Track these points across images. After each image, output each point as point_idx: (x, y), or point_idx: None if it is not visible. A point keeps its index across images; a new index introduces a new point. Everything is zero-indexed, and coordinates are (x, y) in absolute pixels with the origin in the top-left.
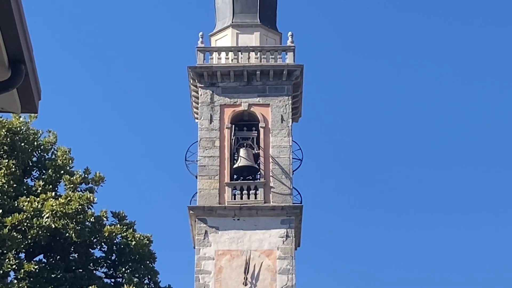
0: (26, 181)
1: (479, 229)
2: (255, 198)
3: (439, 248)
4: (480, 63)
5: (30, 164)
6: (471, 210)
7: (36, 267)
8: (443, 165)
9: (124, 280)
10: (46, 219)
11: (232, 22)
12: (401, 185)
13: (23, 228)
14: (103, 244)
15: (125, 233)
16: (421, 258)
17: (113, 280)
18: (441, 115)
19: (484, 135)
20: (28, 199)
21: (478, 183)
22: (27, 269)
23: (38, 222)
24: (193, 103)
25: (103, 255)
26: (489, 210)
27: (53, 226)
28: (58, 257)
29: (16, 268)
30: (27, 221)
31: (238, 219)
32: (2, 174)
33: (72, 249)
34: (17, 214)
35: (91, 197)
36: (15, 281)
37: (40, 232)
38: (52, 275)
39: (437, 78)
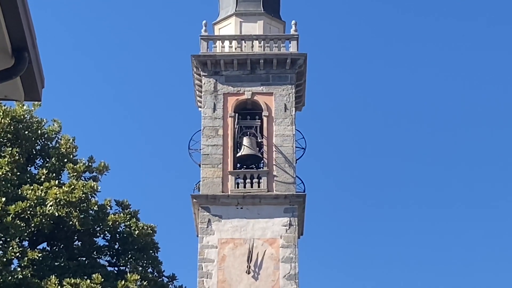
0: (30, 169)
1: (481, 227)
2: (258, 186)
3: (440, 236)
4: (480, 62)
5: (34, 152)
6: (472, 206)
7: (39, 255)
8: (448, 158)
9: (127, 268)
10: (50, 207)
11: (236, 11)
12: (403, 173)
13: (26, 216)
14: (106, 232)
15: (128, 222)
16: (423, 247)
17: (116, 268)
18: (444, 108)
19: (486, 132)
20: (32, 187)
21: (481, 180)
22: (30, 257)
23: (41, 210)
24: (197, 91)
25: (107, 243)
26: (491, 208)
27: (57, 214)
28: (61, 245)
29: (19, 256)
30: (31, 209)
31: (241, 208)
32: (6, 162)
33: (75, 237)
34: (21, 202)
35: (95, 186)
36: (19, 269)
37: (43, 220)
38: (56, 263)
39: (439, 71)
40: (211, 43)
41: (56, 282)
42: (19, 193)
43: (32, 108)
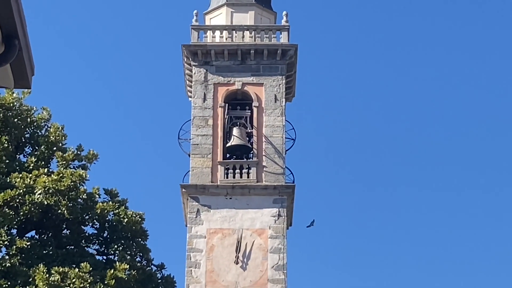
0: (19, 157)
1: (481, 226)
2: (248, 177)
3: (427, 230)
4: (477, 62)
5: (23, 140)
6: (469, 205)
7: (28, 243)
8: (441, 153)
9: (116, 257)
10: (38, 196)
11: (227, 1)
12: (394, 164)
13: (15, 205)
14: (95, 221)
15: (117, 211)
16: (413, 237)
17: (105, 257)
18: (432, 102)
19: (481, 133)
20: (21, 175)
21: (478, 179)
22: (19, 245)
23: (30, 199)
24: (187, 81)
25: (95, 232)
26: (485, 209)
27: (45, 203)
28: (50, 233)
29: (8, 244)
30: (19, 197)
31: (231, 198)
32: None
33: (64, 225)
34: (9, 190)
35: (84, 174)
36: (7, 257)
37: (32, 208)
38: (44, 252)
39: (431, 62)
40: (202, 33)
41: (44, 270)
42: (8, 181)
43: (22, 96)
